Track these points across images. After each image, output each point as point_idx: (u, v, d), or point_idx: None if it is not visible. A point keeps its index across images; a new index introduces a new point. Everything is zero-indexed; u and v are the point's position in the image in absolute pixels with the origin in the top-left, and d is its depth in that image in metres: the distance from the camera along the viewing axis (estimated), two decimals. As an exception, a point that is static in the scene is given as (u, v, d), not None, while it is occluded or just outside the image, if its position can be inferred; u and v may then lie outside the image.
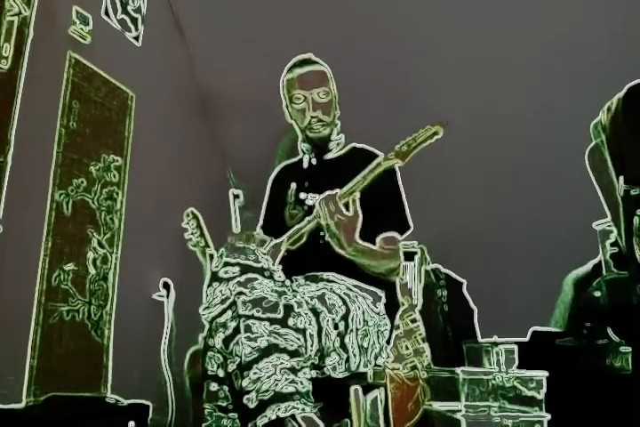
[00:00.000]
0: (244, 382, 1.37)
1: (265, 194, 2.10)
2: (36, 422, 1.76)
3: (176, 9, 3.09)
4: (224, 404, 1.51)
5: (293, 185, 1.96)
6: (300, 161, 2.02)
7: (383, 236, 1.82)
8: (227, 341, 1.46)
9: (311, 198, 1.90)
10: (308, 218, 1.79)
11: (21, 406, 1.93)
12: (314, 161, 1.98)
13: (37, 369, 2.02)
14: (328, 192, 1.73)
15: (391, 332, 1.82)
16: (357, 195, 1.72)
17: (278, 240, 1.80)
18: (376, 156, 1.85)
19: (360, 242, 1.73)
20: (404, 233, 1.87)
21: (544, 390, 1.91)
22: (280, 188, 2.01)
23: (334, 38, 2.68)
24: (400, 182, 1.91)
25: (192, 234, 2.34)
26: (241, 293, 1.44)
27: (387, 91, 2.89)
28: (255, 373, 1.35)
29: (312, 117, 1.90)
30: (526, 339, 2.39)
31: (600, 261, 2.45)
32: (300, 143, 2.02)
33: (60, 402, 1.98)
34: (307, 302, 1.55)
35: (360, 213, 1.72)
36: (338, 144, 1.99)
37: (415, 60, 2.88)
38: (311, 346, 1.51)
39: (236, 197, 2.91)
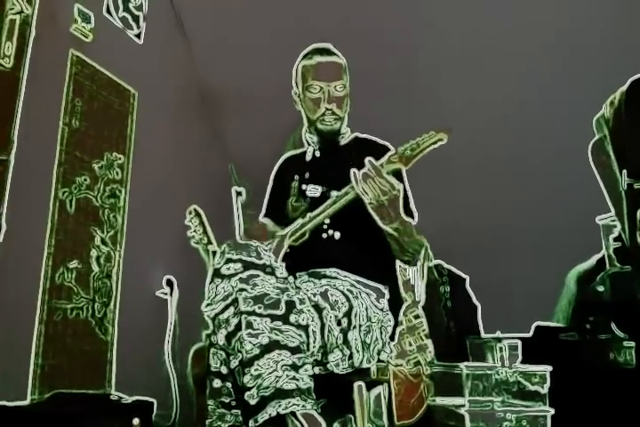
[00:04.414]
0: (246, 379, 1.36)
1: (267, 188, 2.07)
2: (40, 419, 1.77)
3: (177, 6, 3.09)
4: (227, 400, 1.51)
5: (297, 177, 1.94)
6: (304, 153, 2.00)
7: None
8: (229, 337, 1.45)
9: (312, 190, 1.88)
10: (330, 200, 1.74)
11: (26, 403, 1.94)
12: (317, 153, 1.96)
13: (42, 366, 2.03)
14: (368, 165, 1.64)
15: (394, 328, 1.80)
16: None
17: (280, 234, 1.78)
18: (379, 145, 1.84)
19: (403, 213, 1.70)
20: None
21: (548, 384, 1.91)
22: (283, 179, 1.99)
23: (336, 34, 2.66)
24: (405, 177, 1.89)
25: (195, 231, 2.32)
26: (243, 289, 1.43)
27: (391, 85, 2.88)
28: (256, 369, 1.35)
29: (327, 109, 1.85)
30: (530, 334, 2.40)
31: (603, 256, 2.45)
32: (306, 134, 1.98)
33: (65, 399, 1.99)
34: (309, 299, 1.54)
35: (400, 183, 1.67)
36: (343, 137, 1.96)
37: (417, 56, 2.88)
38: (314, 342, 1.50)
39: (239, 194, 2.91)
